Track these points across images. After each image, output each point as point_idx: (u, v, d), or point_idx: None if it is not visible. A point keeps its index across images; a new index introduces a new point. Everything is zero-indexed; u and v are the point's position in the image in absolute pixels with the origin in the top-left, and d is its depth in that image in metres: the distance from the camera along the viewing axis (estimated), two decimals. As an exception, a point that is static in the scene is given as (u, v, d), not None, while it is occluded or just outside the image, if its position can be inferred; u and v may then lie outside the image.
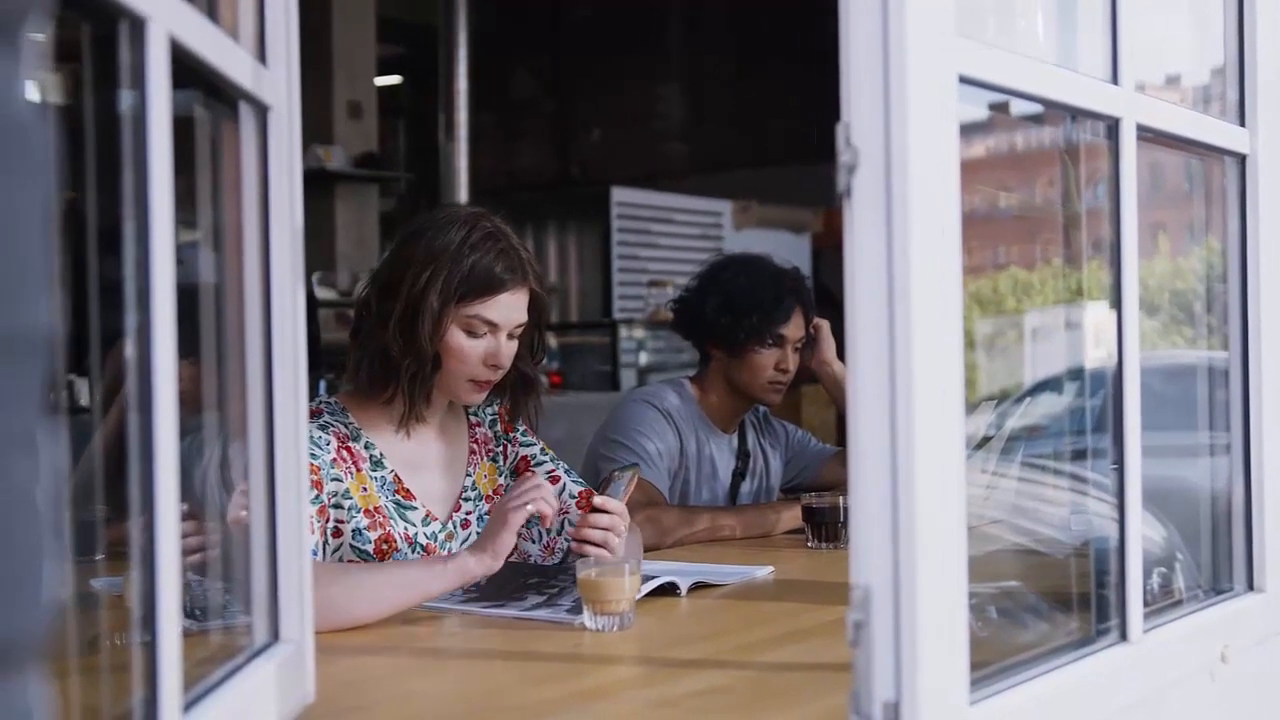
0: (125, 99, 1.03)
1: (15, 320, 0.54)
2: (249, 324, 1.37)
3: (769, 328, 3.04)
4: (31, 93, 0.59)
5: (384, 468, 2.25)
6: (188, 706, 1.10)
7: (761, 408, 3.24)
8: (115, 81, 1.03)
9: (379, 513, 2.21)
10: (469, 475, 2.37)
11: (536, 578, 2.17)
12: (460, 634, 1.97)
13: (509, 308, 2.24)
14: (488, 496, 2.38)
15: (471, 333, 2.23)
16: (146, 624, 1.02)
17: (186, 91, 1.17)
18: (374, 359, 2.23)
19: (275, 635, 1.39)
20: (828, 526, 2.68)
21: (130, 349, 1.02)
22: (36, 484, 0.55)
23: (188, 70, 1.12)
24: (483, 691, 1.66)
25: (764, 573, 2.39)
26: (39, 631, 0.57)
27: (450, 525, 2.31)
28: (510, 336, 2.26)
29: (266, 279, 1.38)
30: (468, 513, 2.35)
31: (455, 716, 1.58)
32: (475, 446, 2.41)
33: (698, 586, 2.21)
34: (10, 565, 0.55)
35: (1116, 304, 1.57)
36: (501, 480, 2.42)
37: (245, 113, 1.36)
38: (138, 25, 1.01)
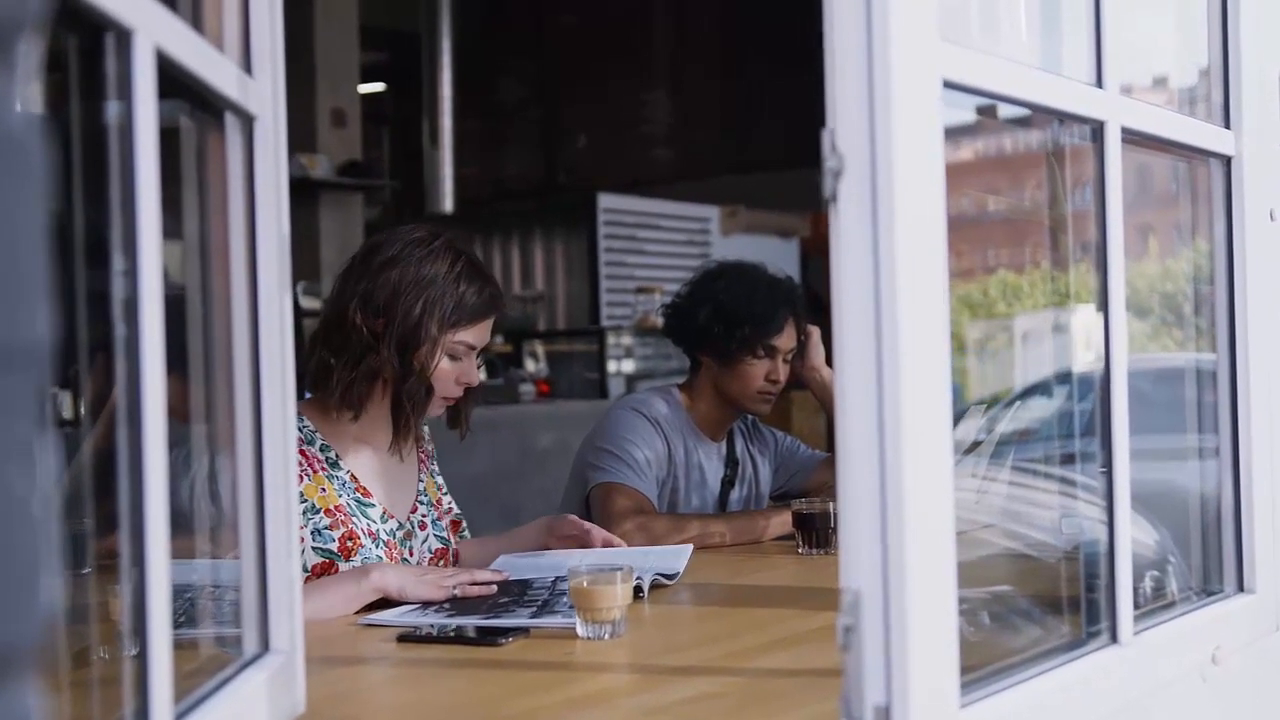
0: (111, 109, 1.03)
1: (14, 332, 0.55)
2: (236, 335, 1.37)
3: (761, 339, 3.02)
4: (26, 105, 0.59)
5: (341, 469, 2.33)
6: (178, 718, 1.09)
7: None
8: (101, 92, 1.02)
9: (339, 511, 2.28)
10: (420, 481, 2.49)
11: (510, 595, 2.15)
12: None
13: (488, 332, 2.38)
14: (435, 504, 2.50)
15: (453, 356, 2.33)
16: (137, 635, 1.02)
17: (171, 102, 1.17)
18: (364, 379, 2.30)
19: (265, 646, 1.39)
20: (818, 532, 2.68)
21: (119, 361, 1.02)
22: (34, 494, 0.56)
23: (172, 80, 1.12)
24: (475, 701, 1.66)
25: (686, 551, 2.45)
26: (36, 640, 0.58)
27: (409, 525, 2.41)
28: (478, 355, 2.38)
29: (253, 290, 1.38)
30: (423, 515, 2.46)
31: (447, 726, 1.57)
32: (423, 457, 2.52)
33: (658, 585, 2.25)
34: (9, 575, 0.55)
35: (1103, 306, 1.57)
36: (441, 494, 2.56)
37: (231, 123, 1.35)
38: (124, 36, 1.01)
